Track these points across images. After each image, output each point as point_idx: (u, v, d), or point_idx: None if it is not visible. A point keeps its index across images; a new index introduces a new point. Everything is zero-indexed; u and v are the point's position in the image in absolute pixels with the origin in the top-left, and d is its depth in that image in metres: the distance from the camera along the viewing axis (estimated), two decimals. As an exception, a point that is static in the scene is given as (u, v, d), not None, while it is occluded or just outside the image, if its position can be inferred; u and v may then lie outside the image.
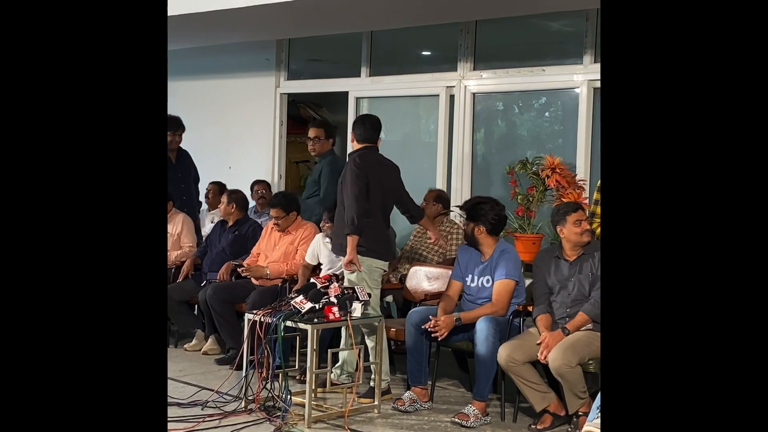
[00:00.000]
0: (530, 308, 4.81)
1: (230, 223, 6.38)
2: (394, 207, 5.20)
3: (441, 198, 6.27)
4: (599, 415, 4.00)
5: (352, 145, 5.17)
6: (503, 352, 4.42)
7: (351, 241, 4.83)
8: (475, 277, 4.89)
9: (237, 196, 6.41)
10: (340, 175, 5.09)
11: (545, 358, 4.33)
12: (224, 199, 6.39)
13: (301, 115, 9.30)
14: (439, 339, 4.71)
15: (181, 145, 6.91)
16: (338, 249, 5.08)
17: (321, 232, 5.81)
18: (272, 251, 5.96)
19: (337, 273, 5.19)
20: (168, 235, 6.39)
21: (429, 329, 4.67)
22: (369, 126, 5.09)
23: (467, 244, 5.00)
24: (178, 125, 6.81)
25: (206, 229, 7.06)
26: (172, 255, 6.40)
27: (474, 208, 4.90)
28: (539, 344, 4.39)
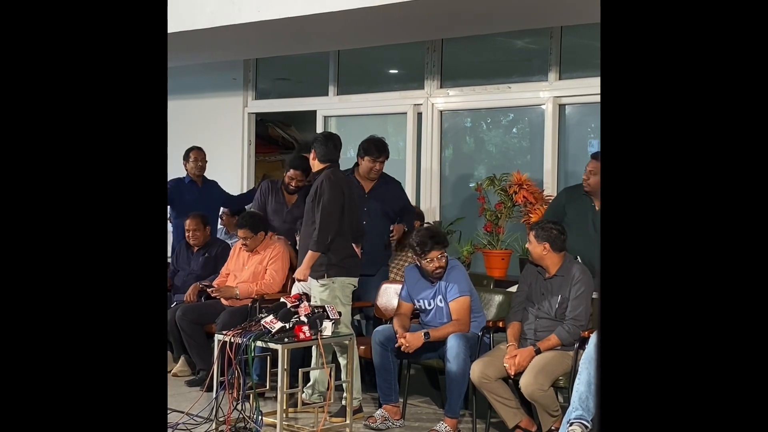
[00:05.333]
0: (500, 323, 4.84)
1: (199, 246, 6.36)
2: None
3: (419, 216, 6.32)
4: (569, 430, 4.03)
5: (312, 164, 5.16)
6: (476, 369, 4.43)
7: (312, 257, 4.85)
8: (430, 300, 4.90)
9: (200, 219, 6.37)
10: (311, 193, 5.08)
11: (515, 373, 4.36)
12: (189, 224, 6.34)
13: (269, 134, 9.31)
14: (410, 352, 4.71)
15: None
16: None
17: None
18: (241, 271, 5.94)
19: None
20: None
21: (402, 349, 4.68)
22: (332, 146, 5.09)
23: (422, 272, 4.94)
24: (381, 151, 5.66)
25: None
26: None
27: (439, 241, 4.85)
28: (510, 358, 4.41)
